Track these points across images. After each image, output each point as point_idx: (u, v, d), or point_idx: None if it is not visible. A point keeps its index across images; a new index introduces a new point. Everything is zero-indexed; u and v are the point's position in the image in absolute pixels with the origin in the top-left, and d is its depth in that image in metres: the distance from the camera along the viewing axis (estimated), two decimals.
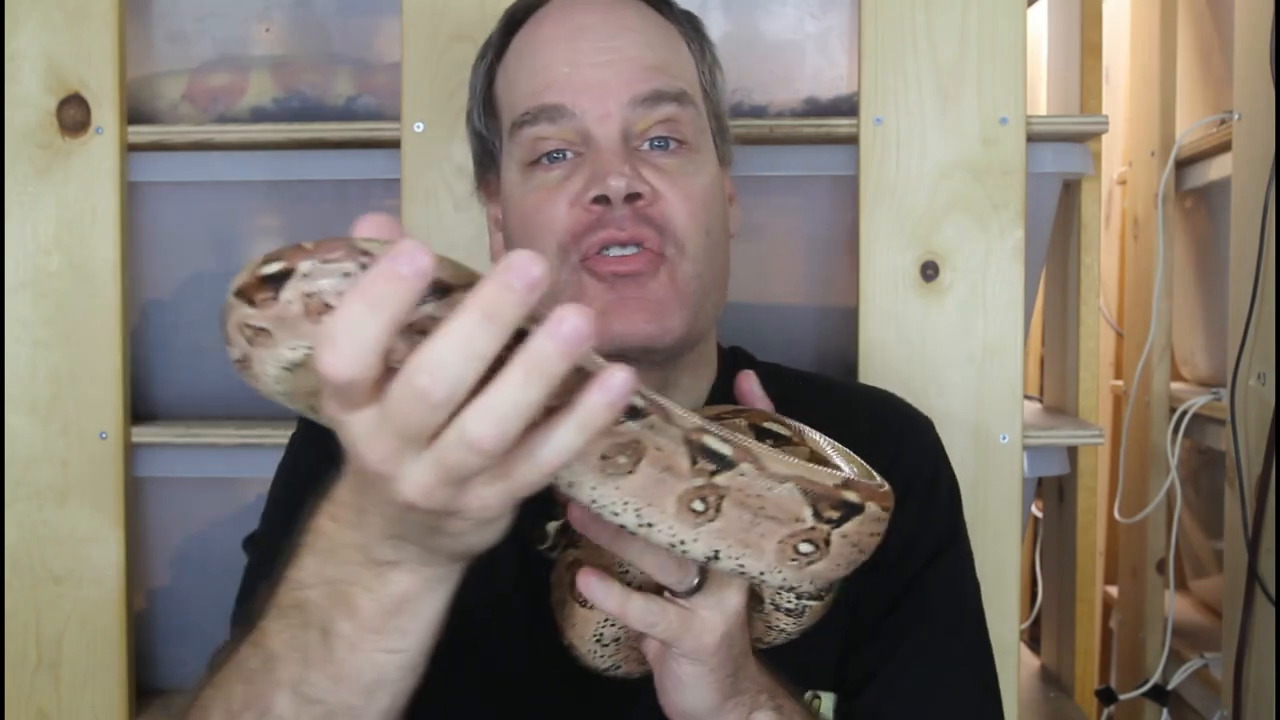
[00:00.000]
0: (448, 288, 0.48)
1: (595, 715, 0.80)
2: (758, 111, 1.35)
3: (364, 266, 0.49)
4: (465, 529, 0.53)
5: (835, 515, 0.59)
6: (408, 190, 1.29)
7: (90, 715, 1.33)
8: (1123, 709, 1.82)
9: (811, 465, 0.60)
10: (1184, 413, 1.71)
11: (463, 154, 1.16)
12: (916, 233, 1.28)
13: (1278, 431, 1.47)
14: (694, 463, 0.55)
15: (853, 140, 1.29)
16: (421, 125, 1.28)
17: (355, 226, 0.50)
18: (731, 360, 0.98)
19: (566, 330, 0.44)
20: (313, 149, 1.35)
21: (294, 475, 0.96)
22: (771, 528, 0.57)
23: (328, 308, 0.49)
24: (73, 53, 1.32)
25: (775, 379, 0.92)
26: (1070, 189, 1.53)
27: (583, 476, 0.54)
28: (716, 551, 0.57)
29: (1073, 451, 1.60)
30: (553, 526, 0.77)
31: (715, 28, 1.03)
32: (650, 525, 0.56)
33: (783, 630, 0.73)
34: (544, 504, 0.63)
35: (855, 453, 0.70)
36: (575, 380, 0.47)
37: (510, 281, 0.44)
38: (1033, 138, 1.29)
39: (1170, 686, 1.73)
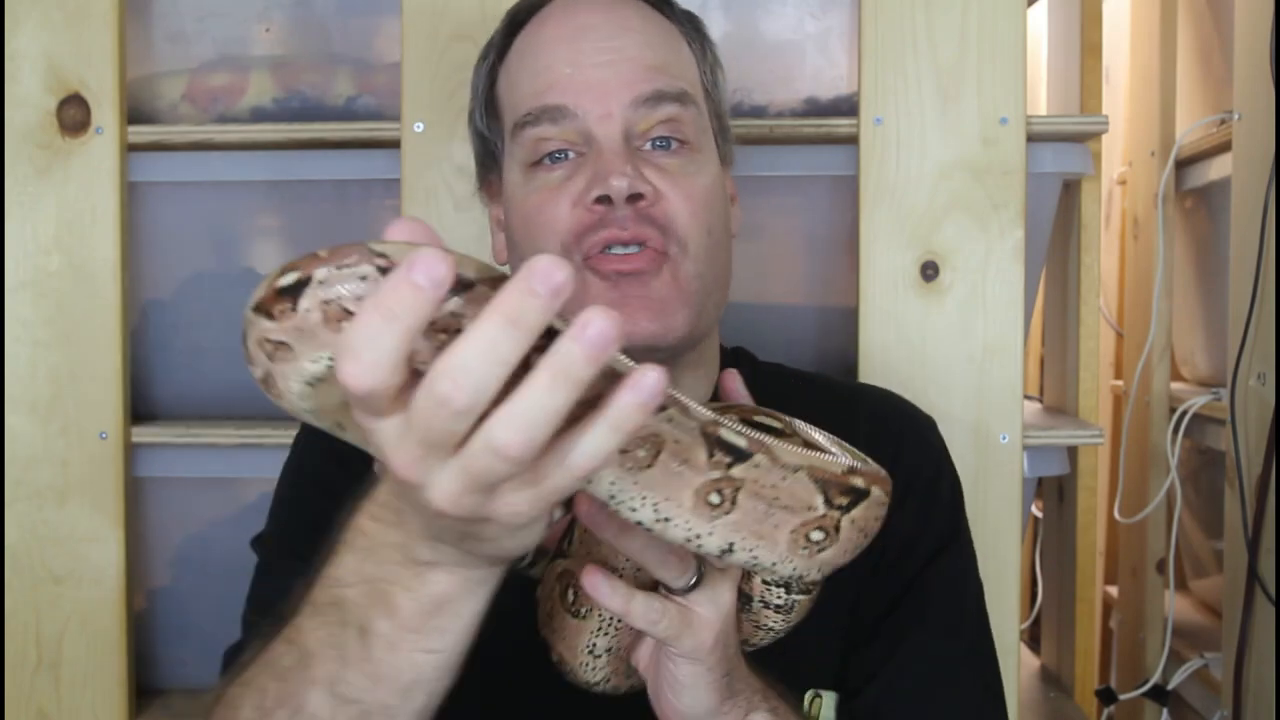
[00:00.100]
0: (470, 283, 0.47)
1: None
2: (758, 111, 1.35)
3: (381, 270, 0.48)
4: (498, 534, 0.53)
5: (844, 501, 0.59)
6: (408, 190, 1.29)
7: (90, 715, 1.33)
8: (1123, 709, 1.82)
9: (817, 453, 0.60)
10: (1184, 413, 1.71)
11: (463, 154, 1.16)
12: (916, 233, 1.28)
13: (1278, 431, 1.47)
14: (711, 455, 0.55)
15: (853, 140, 1.29)
16: (421, 125, 1.28)
17: (386, 231, 0.49)
18: (734, 360, 0.98)
19: (593, 334, 0.43)
20: (313, 149, 1.35)
21: (299, 475, 0.96)
22: (785, 517, 0.57)
23: (347, 314, 0.48)
24: (73, 53, 1.31)
25: (777, 379, 0.92)
26: (1070, 189, 1.53)
27: (602, 471, 0.53)
28: (731, 544, 0.57)
29: (1073, 451, 1.60)
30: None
31: (715, 28, 1.03)
32: (667, 520, 0.55)
33: (770, 629, 0.73)
34: None
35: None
36: (601, 380, 0.46)
37: (534, 287, 0.43)
38: (1033, 138, 1.29)
39: (1170, 686, 1.73)
